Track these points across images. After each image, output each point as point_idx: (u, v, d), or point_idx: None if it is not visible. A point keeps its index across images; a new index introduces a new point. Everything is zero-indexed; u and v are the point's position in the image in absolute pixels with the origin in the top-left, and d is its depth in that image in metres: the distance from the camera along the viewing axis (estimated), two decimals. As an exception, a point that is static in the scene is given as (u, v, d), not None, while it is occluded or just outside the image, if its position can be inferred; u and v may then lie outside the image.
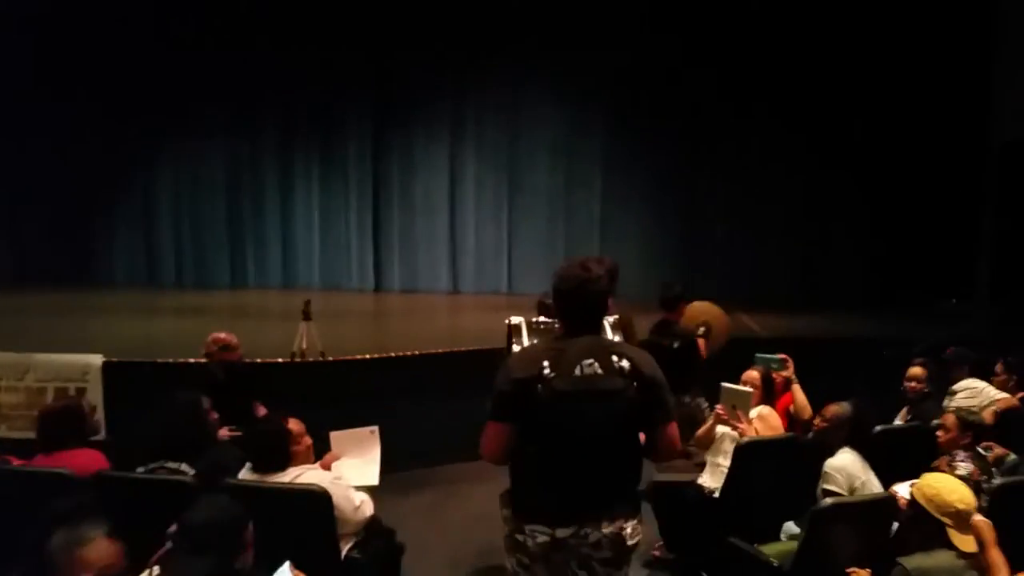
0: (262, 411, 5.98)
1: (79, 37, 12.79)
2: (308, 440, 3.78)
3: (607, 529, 2.71)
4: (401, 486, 5.92)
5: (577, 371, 2.67)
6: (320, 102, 13.05)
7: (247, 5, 12.69)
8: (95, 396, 6.12)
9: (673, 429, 2.77)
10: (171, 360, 6.41)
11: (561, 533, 2.71)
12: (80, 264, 13.53)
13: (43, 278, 13.11)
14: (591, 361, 2.68)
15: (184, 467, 3.73)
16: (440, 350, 7.31)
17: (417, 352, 7.18)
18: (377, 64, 12.88)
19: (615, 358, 2.70)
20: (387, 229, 13.23)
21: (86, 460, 3.82)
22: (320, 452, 4.01)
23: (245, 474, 3.60)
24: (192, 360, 6.14)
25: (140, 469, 3.77)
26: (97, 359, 6.14)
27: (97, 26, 12.79)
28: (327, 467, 3.87)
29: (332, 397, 6.57)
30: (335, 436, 4.00)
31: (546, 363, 2.67)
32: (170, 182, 13.56)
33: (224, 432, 5.60)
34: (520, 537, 2.76)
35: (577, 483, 2.69)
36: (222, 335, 5.80)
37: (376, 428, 3.99)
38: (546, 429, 2.67)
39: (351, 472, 3.90)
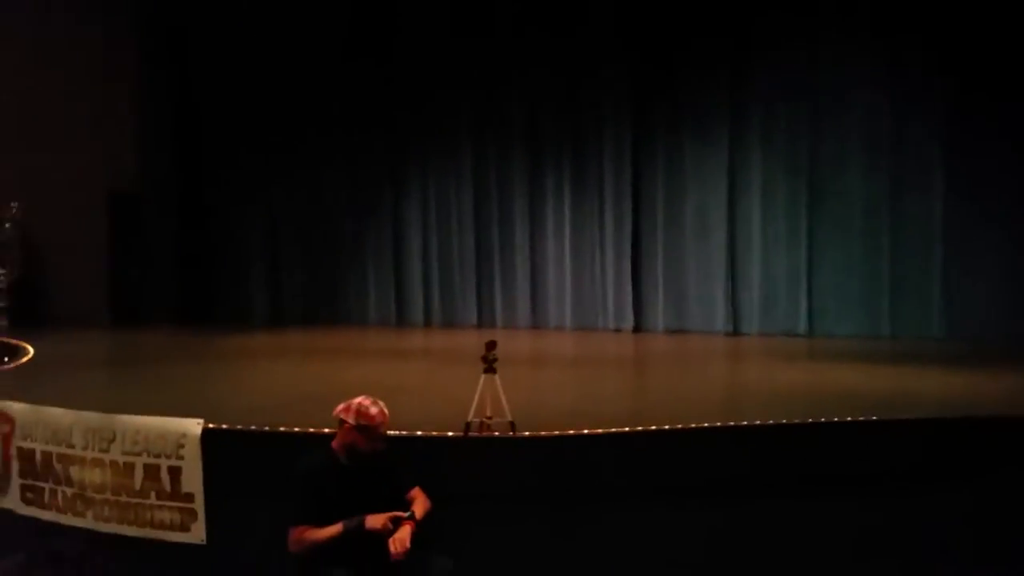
0: (421, 503, 3.85)
1: (308, 75, 12.08)
2: None
3: None
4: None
5: None
6: (569, 108, 11.00)
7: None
8: (192, 478, 4.34)
9: None
10: (290, 430, 4.47)
11: None
12: (332, 305, 12.65)
13: (299, 319, 12.42)
14: None
15: None
16: (701, 424, 4.69)
17: (668, 427, 4.63)
18: (634, 49, 10.56)
19: None
20: (649, 256, 10.73)
21: None
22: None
23: None
24: (326, 430, 4.17)
25: None
26: (195, 426, 4.36)
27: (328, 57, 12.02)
28: None
29: (523, 492, 4.27)
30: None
31: None
32: (418, 217, 12.21)
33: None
34: None
35: None
36: (368, 404, 3.85)
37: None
38: None
39: None
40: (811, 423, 4.80)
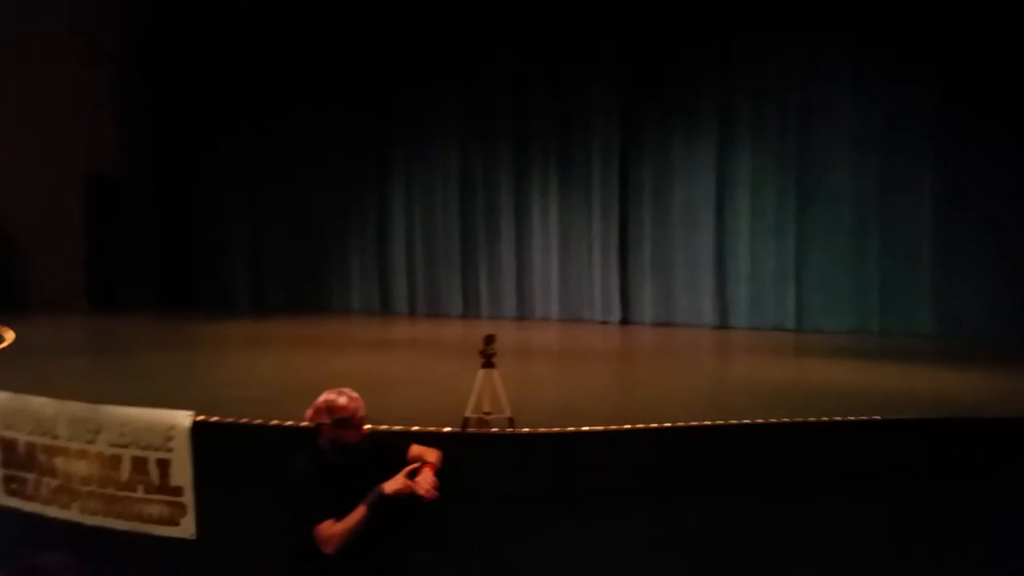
0: (429, 452, 3.79)
1: (302, 57, 11.88)
2: None
3: None
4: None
5: None
6: (557, 98, 10.90)
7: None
8: (181, 471, 4.22)
9: None
10: (283, 423, 4.36)
11: None
12: (315, 291, 12.50)
13: (280, 306, 12.28)
14: None
15: None
16: (702, 422, 4.65)
17: (668, 424, 4.58)
18: (622, 44, 10.47)
19: None
20: (637, 248, 10.66)
21: None
22: None
23: None
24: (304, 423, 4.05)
25: None
26: (185, 418, 4.25)
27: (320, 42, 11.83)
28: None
29: (521, 488, 4.20)
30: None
31: None
32: (403, 203, 12.04)
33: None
34: None
35: None
36: (334, 397, 3.66)
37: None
38: None
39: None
40: (812, 422, 4.77)
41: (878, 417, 4.84)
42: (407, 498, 3.60)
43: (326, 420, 3.65)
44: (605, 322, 10.70)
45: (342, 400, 3.66)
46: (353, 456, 3.69)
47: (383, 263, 12.07)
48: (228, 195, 12.64)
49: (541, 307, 11.21)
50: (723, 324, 10.18)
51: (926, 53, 9.29)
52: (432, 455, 3.83)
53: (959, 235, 9.28)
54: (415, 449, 3.87)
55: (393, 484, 3.60)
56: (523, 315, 11.26)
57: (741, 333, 9.89)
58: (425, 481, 3.60)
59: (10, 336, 8.46)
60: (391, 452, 3.84)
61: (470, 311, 11.60)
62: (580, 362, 8.09)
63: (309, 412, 3.71)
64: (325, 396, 3.70)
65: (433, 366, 7.41)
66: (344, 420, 3.64)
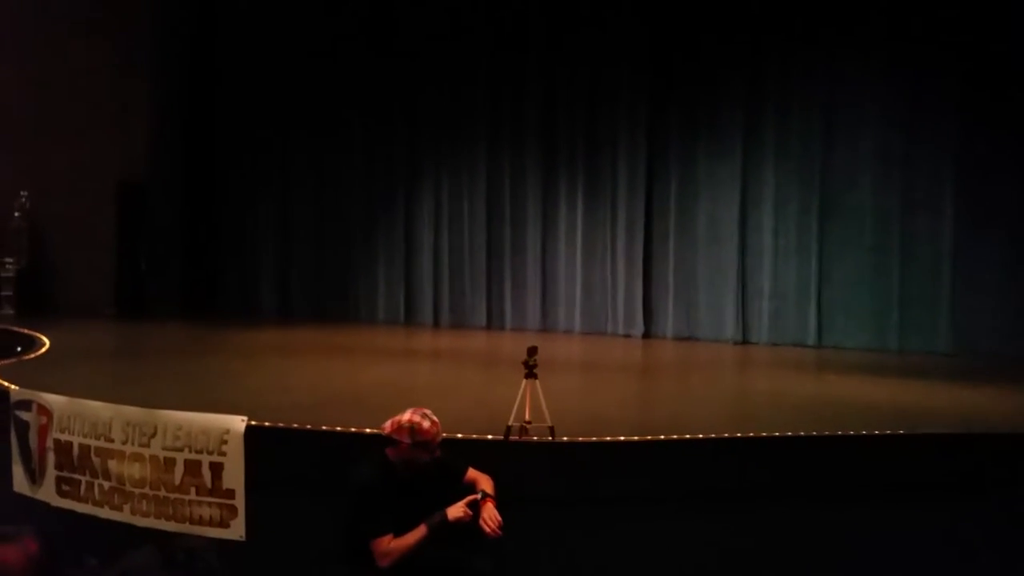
0: (484, 481, 3.89)
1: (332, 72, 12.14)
2: None
3: None
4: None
5: None
6: (584, 112, 11.08)
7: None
8: (234, 474, 4.36)
9: None
10: (333, 429, 4.52)
11: None
12: (340, 301, 12.62)
13: (306, 315, 12.40)
14: None
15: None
16: (734, 434, 4.78)
17: (701, 436, 4.71)
18: (651, 56, 10.65)
19: None
20: (660, 263, 10.79)
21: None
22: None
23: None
24: (368, 430, 4.20)
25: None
26: (239, 422, 4.39)
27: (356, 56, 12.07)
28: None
29: (561, 496, 4.33)
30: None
31: None
32: (430, 216, 12.19)
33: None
34: None
35: None
36: (419, 420, 3.75)
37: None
38: None
39: None
40: (831, 436, 4.90)
41: (902, 431, 4.96)
42: (466, 526, 3.66)
43: (406, 440, 3.69)
44: (627, 336, 10.81)
45: (426, 424, 3.70)
46: (420, 475, 3.78)
47: (409, 274, 12.20)
48: (256, 204, 12.83)
49: (564, 320, 11.33)
50: (744, 340, 10.29)
51: (949, 74, 9.42)
52: (488, 484, 3.86)
53: (979, 254, 9.39)
54: (471, 473, 3.95)
55: (456, 511, 3.64)
56: (546, 327, 11.37)
57: (762, 349, 10.01)
58: (491, 520, 3.62)
59: (45, 343, 8.63)
60: (451, 473, 3.92)
61: (494, 323, 11.73)
62: (605, 374, 8.22)
63: (388, 426, 3.74)
64: (410, 416, 3.73)
65: (463, 376, 7.58)
66: (424, 443, 3.70)
